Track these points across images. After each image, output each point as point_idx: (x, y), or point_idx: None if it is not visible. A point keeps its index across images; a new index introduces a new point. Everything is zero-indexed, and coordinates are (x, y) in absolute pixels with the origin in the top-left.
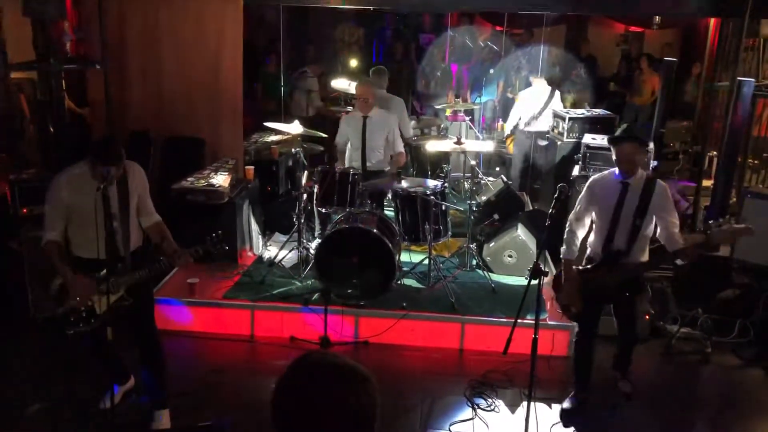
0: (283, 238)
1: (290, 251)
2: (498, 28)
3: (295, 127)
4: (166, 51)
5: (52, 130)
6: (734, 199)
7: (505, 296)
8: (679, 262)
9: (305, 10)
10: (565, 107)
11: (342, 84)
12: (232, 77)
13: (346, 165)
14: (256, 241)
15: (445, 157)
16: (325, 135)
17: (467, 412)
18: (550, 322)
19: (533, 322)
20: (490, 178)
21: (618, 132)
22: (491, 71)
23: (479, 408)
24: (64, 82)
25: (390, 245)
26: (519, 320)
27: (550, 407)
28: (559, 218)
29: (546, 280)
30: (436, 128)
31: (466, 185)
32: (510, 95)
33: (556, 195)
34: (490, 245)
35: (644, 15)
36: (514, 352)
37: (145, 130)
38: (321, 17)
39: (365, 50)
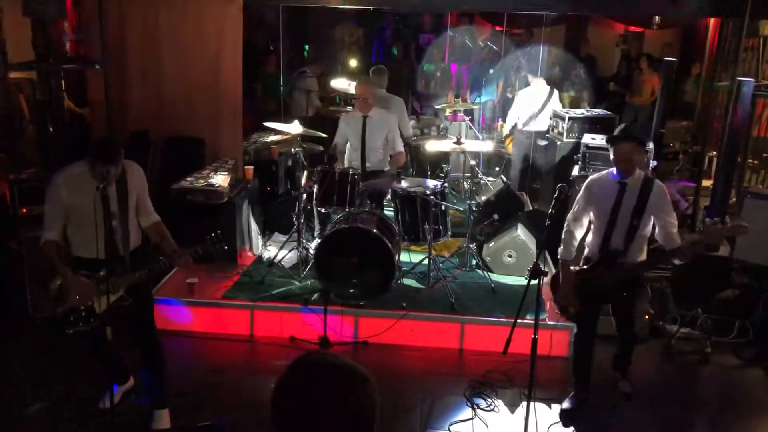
0: (283, 238)
1: (290, 251)
2: (498, 28)
3: (295, 127)
4: (166, 52)
5: (51, 130)
6: (734, 199)
7: (504, 296)
8: (676, 261)
9: (305, 10)
10: (563, 106)
11: (342, 84)
12: (231, 78)
13: (346, 165)
14: (255, 241)
15: (444, 157)
16: (324, 135)
17: (467, 412)
18: (549, 322)
19: (533, 322)
20: (490, 178)
21: (616, 132)
22: (491, 71)
23: (479, 408)
24: (63, 82)
25: (390, 245)
26: (519, 320)
27: (550, 407)
28: (558, 218)
29: (545, 280)
30: (436, 128)
31: (466, 185)
32: (510, 95)
33: (555, 195)
34: (490, 245)
35: (644, 15)
36: (514, 352)
37: (145, 130)
38: (321, 17)
39: (365, 50)
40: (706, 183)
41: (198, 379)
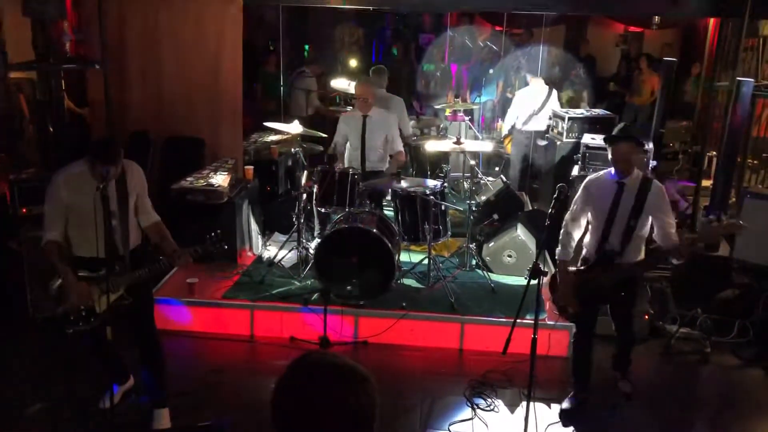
0: (283, 237)
1: (290, 251)
2: (497, 28)
3: (295, 127)
4: (166, 52)
5: (51, 130)
6: (734, 199)
7: (504, 296)
8: (674, 261)
9: (305, 10)
10: (562, 106)
11: (342, 84)
12: (231, 78)
13: (346, 165)
14: (255, 241)
15: (444, 157)
16: (324, 135)
17: (467, 412)
18: (549, 322)
19: (533, 322)
20: (490, 178)
21: (614, 131)
22: (491, 71)
23: (479, 408)
24: (63, 82)
25: (389, 245)
26: (518, 320)
27: (550, 407)
28: (558, 218)
29: (545, 280)
30: (436, 128)
31: (466, 185)
32: (509, 95)
33: (555, 195)
34: (490, 245)
35: (644, 15)
36: (514, 352)
37: (145, 130)
38: (321, 17)
39: (365, 50)
40: (706, 183)
41: (198, 379)
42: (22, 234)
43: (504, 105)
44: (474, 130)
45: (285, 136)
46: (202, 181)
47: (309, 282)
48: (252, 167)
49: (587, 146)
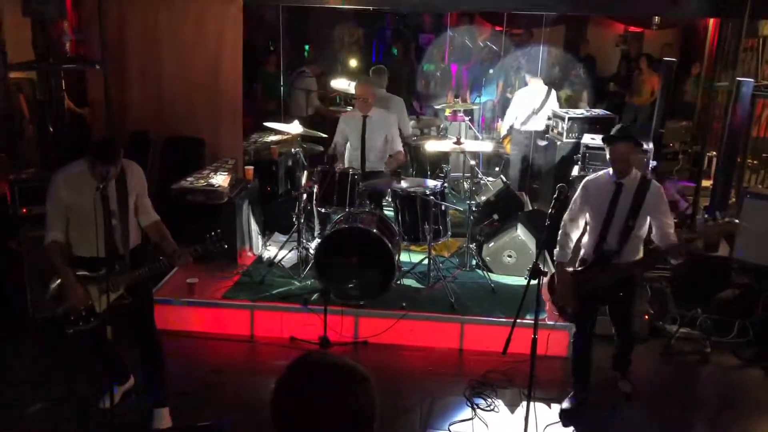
0: (283, 238)
1: (290, 251)
2: (497, 28)
3: (295, 127)
4: (166, 52)
5: (51, 130)
6: (733, 200)
7: (504, 296)
8: (673, 261)
9: (305, 10)
10: (561, 106)
11: (342, 84)
12: (231, 78)
13: (346, 165)
14: (255, 241)
15: (444, 157)
16: (324, 135)
17: (467, 412)
18: (549, 322)
19: (532, 322)
20: (490, 178)
21: (613, 131)
22: (491, 71)
23: (479, 408)
24: (63, 82)
25: (389, 245)
26: (518, 320)
27: (550, 407)
28: (558, 218)
29: (544, 280)
30: (436, 128)
31: (466, 185)
32: (509, 95)
33: (555, 195)
34: (490, 245)
35: (644, 15)
36: (514, 352)
37: (145, 130)
38: (320, 17)
39: (365, 50)
40: (706, 183)
41: (198, 379)
42: (22, 234)
43: (504, 105)
44: (474, 130)
45: (285, 136)
46: (202, 181)
47: (309, 282)
48: (252, 167)
49: (587, 146)
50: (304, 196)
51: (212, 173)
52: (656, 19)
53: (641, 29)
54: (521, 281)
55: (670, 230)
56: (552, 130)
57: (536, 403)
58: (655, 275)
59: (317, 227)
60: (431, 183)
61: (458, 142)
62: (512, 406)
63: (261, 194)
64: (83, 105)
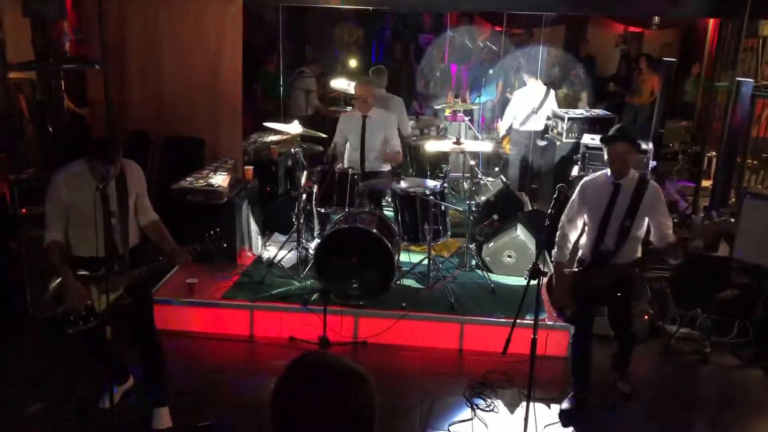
0: (283, 238)
1: (289, 251)
2: (497, 29)
3: (295, 127)
4: (166, 52)
5: (51, 130)
6: (733, 200)
7: (504, 296)
8: (671, 261)
9: (304, 11)
10: (559, 106)
11: (341, 84)
12: (231, 78)
13: (346, 165)
14: (255, 241)
15: (444, 157)
16: (324, 135)
17: (466, 413)
18: (549, 323)
19: (532, 322)
20: (490, 179)
21: (611, 132)
22: (490, 71)
23: (478, 408)
24: (63, 82)
25: (389, 245)
26: (518, 320)
27: (549, 407)
28: (558, 218)
29: (544, 281)
30: (436, 128)
31: (466, 185)
32: (509, 95)
33: (555, 195)
34: (490, 245)
35: (644, 15)
36: (514, 352)
37: (145, 130)
38: (320, 17)
39: (365, 50)
40: (706, 183)
41: (198, 379)
42: (22, 234)
43: (504, 105)
44: (474, 130)
45: (285, 137)
46: (202, 181)
47: (309, 282)
48: (252, 167)
49: (587, 146)
50: (304, 196)
51: (212, 173)
52: (656, 19)
53: (641, 29)
54: (521, 281)
55: (669, 231)
56: (552, 130)
57: (536, 404)
58: (655, 275)
59: (317, 227)
60: (431, 183)
61: (458, 142)
62: (512, 407)
63: (261, 194)
64: (83, 105)
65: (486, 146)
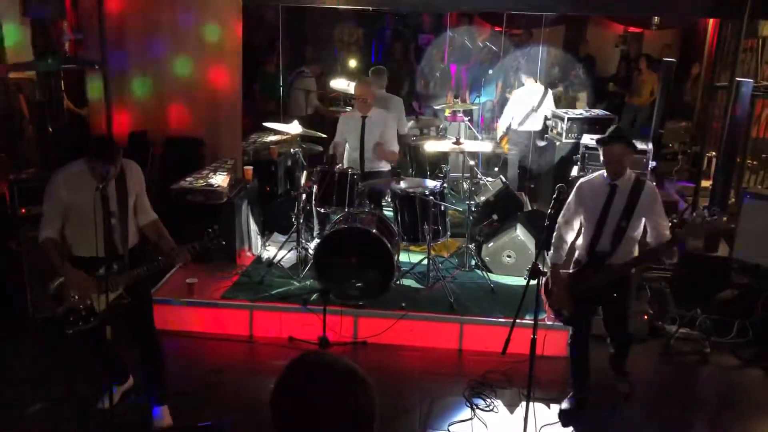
0: (282, 238)
1: (289, 251)
2: (497, 29)
3: (294, 127)
4: (166, 51)
5: (51, 130)
6: (733, 200)
7: (503, 296)
8: (667, 261)
9: (304, 10)
10: (557, 105)
11: (341, 84)
12: (231, 78)
13: (345, 165)
14: (254, 241)
15: (443, 157)
16: (324, 135)
17: (466, 413)
18: (548, 322)
19: (532, 322)
20: (489, 179)
21: (607, 133)
22: (490, 72)
23: (478, 408)
24: (63, 82)
25: (389, 245)
26: (518, 320)
27: (549, 407)
28: (557, 218)
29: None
30: (435, 128)
31: (465, 185)
32: (509, 95)
33: (554, 195)
34: (489, 245)
35: (643, 15)
36: (513, 352)
37: (145, 130)
38: (320, 17)
39: (364, 50)
40: (705, 183)
41: (198, 379)
42: (22, 234)
43: (503, 105)
44: (473, 130)
45: (284, 137)
46: (202, 181)
47: (308, 282)
48: (251, 167)
49: (586, 147)
50: (304, 196)
51: (211, 173)
52: (656, 19)
53: (641, 30)
54: (520, 281)
55: (665, 231)
56: (551, 131)
57: (535, 404)
58: (655, 275)
59: (316, 227)
60: (430, 183)
61: (457, 143)
62: (511, 407)
63: (260, 194)
64: (83, 105)
65: (486, 146)
